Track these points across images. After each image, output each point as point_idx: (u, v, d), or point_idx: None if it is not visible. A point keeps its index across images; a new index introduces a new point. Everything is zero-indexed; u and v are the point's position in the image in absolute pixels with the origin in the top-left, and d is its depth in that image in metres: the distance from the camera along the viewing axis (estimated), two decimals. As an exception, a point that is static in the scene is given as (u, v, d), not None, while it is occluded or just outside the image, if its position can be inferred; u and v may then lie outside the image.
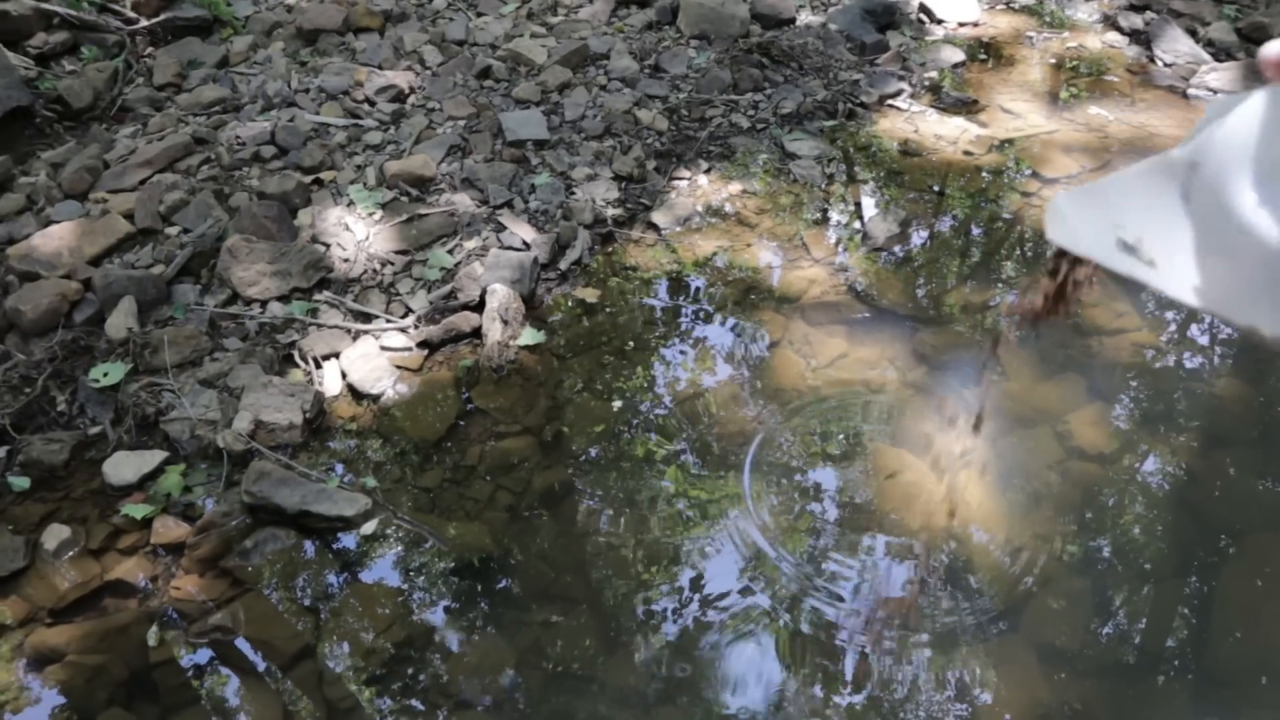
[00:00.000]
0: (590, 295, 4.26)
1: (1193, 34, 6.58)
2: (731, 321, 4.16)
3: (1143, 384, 3.95)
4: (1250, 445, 3.74)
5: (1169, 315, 4.27)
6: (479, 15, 6.39)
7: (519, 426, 3.73)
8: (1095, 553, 3.30)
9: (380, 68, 5.63)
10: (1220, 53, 6.43)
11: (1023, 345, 4.05)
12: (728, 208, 4.74)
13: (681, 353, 4.05)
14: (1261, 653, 3.05)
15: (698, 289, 4.33)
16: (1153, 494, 3.52)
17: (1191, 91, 5.98)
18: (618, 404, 3.80)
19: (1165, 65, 6.28)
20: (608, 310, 4.22)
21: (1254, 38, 6.60)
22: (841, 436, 3.67)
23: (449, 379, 3.92)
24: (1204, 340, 4.22)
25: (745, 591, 3.16)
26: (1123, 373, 3.97)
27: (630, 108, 5.36)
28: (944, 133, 5.35)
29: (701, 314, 4.22)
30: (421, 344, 4.04)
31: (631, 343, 4.07)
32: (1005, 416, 3.74)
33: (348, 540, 3.35)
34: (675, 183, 4.88)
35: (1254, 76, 5.96)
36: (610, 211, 4.66)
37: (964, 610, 3.10)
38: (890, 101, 5.62)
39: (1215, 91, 5.95)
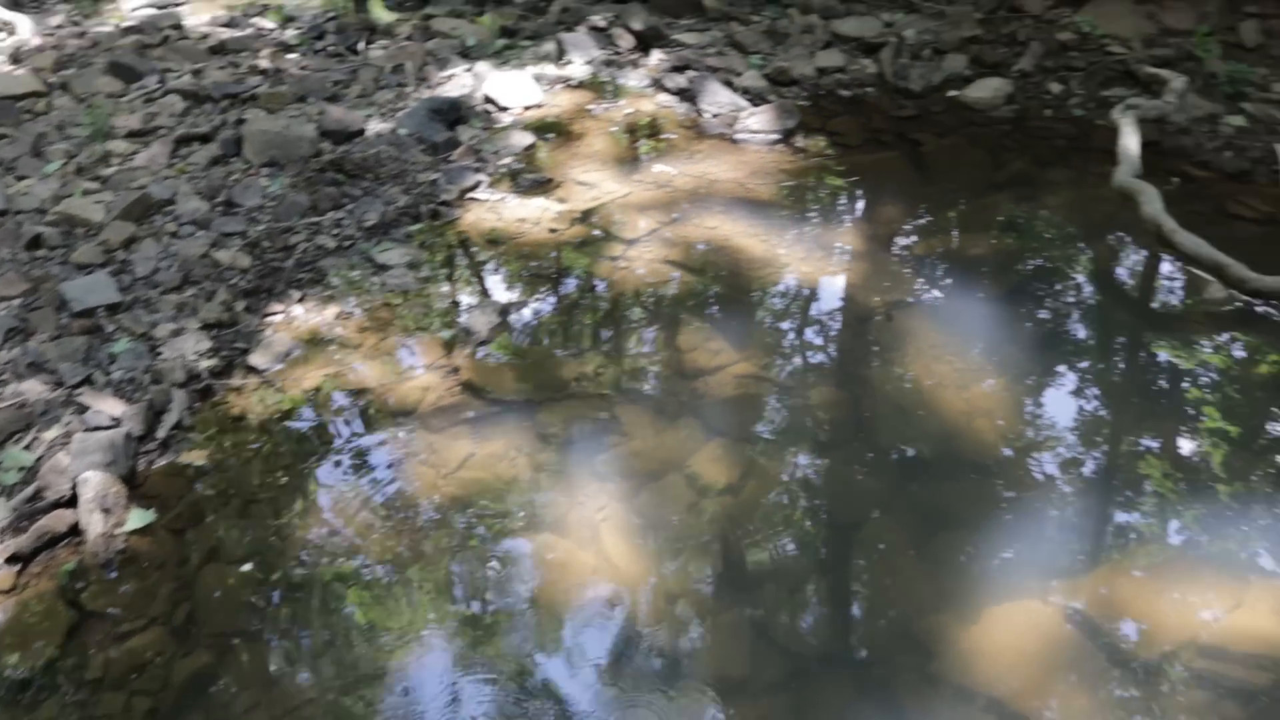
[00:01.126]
0: (198, 458, 3.99)
1: (730, 85, 7.29)
2: (352, 448, 4.06)
3: (749, 411, 4.27)
4: (849, 445, 4.14)
5: (761, 344, 4.66)
6: (19, 179, 5.87)
7: (144, 619, 3.40)
8: (738, 578, 3.51)
9: (-95, 261, 5.01)
10: (755, 98, 7.18)
11: (636, 402, 4.26)
12: (329, 333, 4.64)
13: (310, 492, 3.88)
14: (892, 626, 3.37)
15: (313, 423, 4.18)
16: (779, 506, 3.80)
17: (738, 136, 6.62)
18: (249, 566, 3.57)
19: (712, 116, 6.91)
20: (221, 469, 3.97)
21: (780, 80, 7.43)
22: (488, 539, 3.66)
23: (52, 589, 3.51)
24: (796, 361, 4.63)
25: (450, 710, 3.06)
26: (731, 405, 4.28)
27: (207, 250, 5.11)
28: (527, 215, 5.56)
29: (321, 447, 4.08)
30: (11, 559, 3.59)
31: (255, 496, 3.85)
32: (635, 475, 3.90)
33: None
34: (269, 319, 4.71)
35: (787, 115, 6.70)
36: (204, 364, 4.41)
37: (642, 661, 3.18)
38: (471, 195, 5.76)
39: (757, 132, 6.62)
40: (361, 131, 6.35)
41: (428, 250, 5.26)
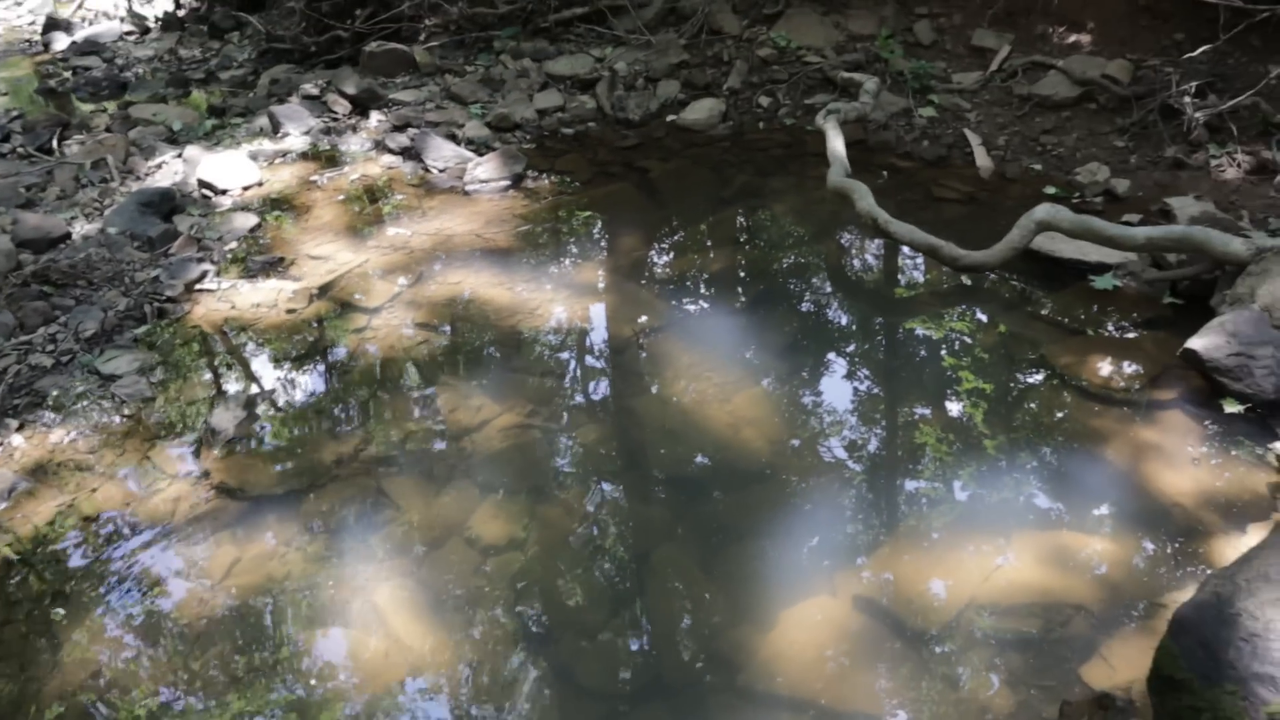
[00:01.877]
0: (-79, 625, 3.57)
1: (453, 138, 7.30)
2: (102, 578, 3.74)
3: (520, 462, 4.24)
4: (625, 476, 4.20)
5: (522, 392, 4.65)
6: None
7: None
8: (536, 631, 3.48)
9: None
10: (480, 147, 7.21)
11: (403, 473, 4.17)
12: (58, 459, 4.27)
13: (58, 636, 3.54)
14: (695, 647, 3.43)
15: (52, 562, 3.83)
16: (566, 552, 3.79)
17: (469, 187, 6.62)
18: (-1, 733, 3.22)
19: (440, 171, 6.88)
20: (-50, 632, 3.57)
21: (502, 126, 7.49)
22: (270, 644, 3.46)
23: None
24: (559, 403, 4.64)
25: None
26: (501, 459, 4.25)
27: (-99, 393, 4.62)
28: (261, 299, 5.34)
29: (66, 585, 3.74)
30: None
31: (-6, 655, 3.49)
32: (414, 548, 3.80)
33: None
34: (-14, 456, 4.30)
35: (513, 160, 6.76)
36: (-86, 519, 3.97)
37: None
38: (199, 286, 5.48)
39: (486, 181, 6.65)
40: (67, 236, 5.92)
41: (158, 352, 4.95)
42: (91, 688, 3.32)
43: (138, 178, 6.82)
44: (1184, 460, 4.12)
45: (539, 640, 3.47)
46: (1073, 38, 7.61)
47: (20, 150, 7.42)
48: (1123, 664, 3.25)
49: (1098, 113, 6.99)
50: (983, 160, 6.74)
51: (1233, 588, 2.76)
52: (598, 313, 5.29)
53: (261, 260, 5.71)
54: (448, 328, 5.15)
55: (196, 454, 4.27)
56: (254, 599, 3.61)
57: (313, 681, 3.33)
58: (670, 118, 7.59)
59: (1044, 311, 5.16)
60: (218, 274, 5.62)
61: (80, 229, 6.03)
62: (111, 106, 8.48)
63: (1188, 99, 6.53)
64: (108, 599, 3.66)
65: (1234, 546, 3.64)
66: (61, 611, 3.61)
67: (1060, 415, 4.47)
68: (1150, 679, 2.94)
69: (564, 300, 5.33)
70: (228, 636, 3.49)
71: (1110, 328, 4.97)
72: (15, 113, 8.38)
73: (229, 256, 5.80)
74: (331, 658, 3.40)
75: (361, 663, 3.38)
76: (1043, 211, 5.13)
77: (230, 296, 5.39)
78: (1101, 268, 5.35)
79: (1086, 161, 6.57)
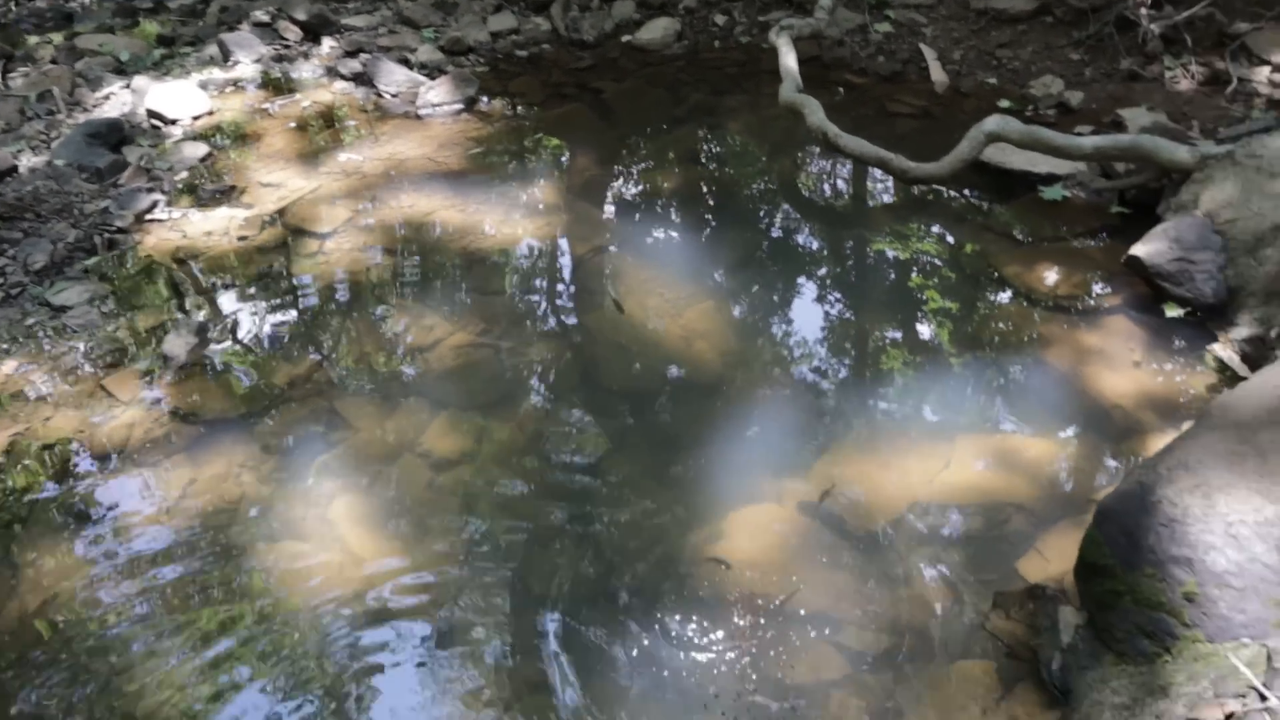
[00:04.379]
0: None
1: (405, 62, 7.20)
2: (59, 503, 3.77)
3: (473, 379, 4.28)
4: (577, 391, 4.25)
5: (475, 311, 4.67)
6: None
7: None
8: (488, 543, 3.54)
9: None
10: (433, 71, 7.12)
11: (356, 393, 4.20)
12: (9, 390, 4.27)
13: (18, 560, 3.58)
14: (646, 555, 3.50)
15: (7, 488, 3.86)
16: (518, 465, 3.85)
17: (422, 112, 6.56)
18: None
19: (393, 96, 6.80)
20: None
21: (455, 50, 7.40)
22: (225, 562, 3.51)
23: None
24: (512, 321, 4.65)
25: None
26: (454, 376, 4.28)
27: None
28: (213, 227, 5.31)
29: (23, 509, 3.76)
30: None
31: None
32: (367, 465, 3.85)
33: None
34: (-63, 388, 4.29)
35: (466, 83, 6.69)
36: None
37: (406, 643, 3.17)
38: (149, 216, 5.43)
39: (439, 105, 6.58)
40: (13, 169, 5.83)
41: (109, 283, 4.92)
42: (50, 610, 3.37)
43: (85, 109, 6.70)
44: (1125, 364, 4.20)
45: (489, 551, 3.53)
46: (1030, -51, 7.54)
47: (-37, 84, 7.26)
48: (1057, 557, 3.35)
49: (1054, 26, 6.97)
50: (938, 75, 6.72)
51: (1155, 477, 2.85)
52: (551, 232, 5.29)
53: (213, 189, 5.66)
54: (401, 250, 5.15)
55: (150, 381, 4.28)
56: (209, 519, 3.66)
57: (267, 597, 3.38)
58: (625, 38, 7.51)
59: (992, 222, 5.20)
60: (168, 204, 5.57)
61: (27, 162, 5.94)
62: (57, 38, 8.27)
63: (1144, 10, 6.52)
64: (65, 523, 3.69)
65: (1168, 443, 3.74)
66: (19, 535, 3.64)
67: (1006, 323, 4.54)
68: (1077, 567, 3.04)
69: (517, 221, 5.32)
70: (184, 556, 3.53)
71: (1058, 237, 5.02)
72: (-42, 46, 8.18)
73: (179, 186, 5.74)
74: (286, 573, 3.46)
75: (316, 577, 3.44)
76: (992, 123, 5.14)
77: (181, 226, 5.35)
78: (1051, 178, 5.38)
79: (1041, 75, 6.56)
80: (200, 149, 6.09)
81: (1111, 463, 3.79)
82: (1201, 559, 2.65)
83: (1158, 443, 3.77)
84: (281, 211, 5.44)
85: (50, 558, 3.56)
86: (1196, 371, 4.13)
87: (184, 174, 5.86)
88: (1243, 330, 4.21)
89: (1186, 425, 3.86)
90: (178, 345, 4.38)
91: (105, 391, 4.23)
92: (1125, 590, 2.78)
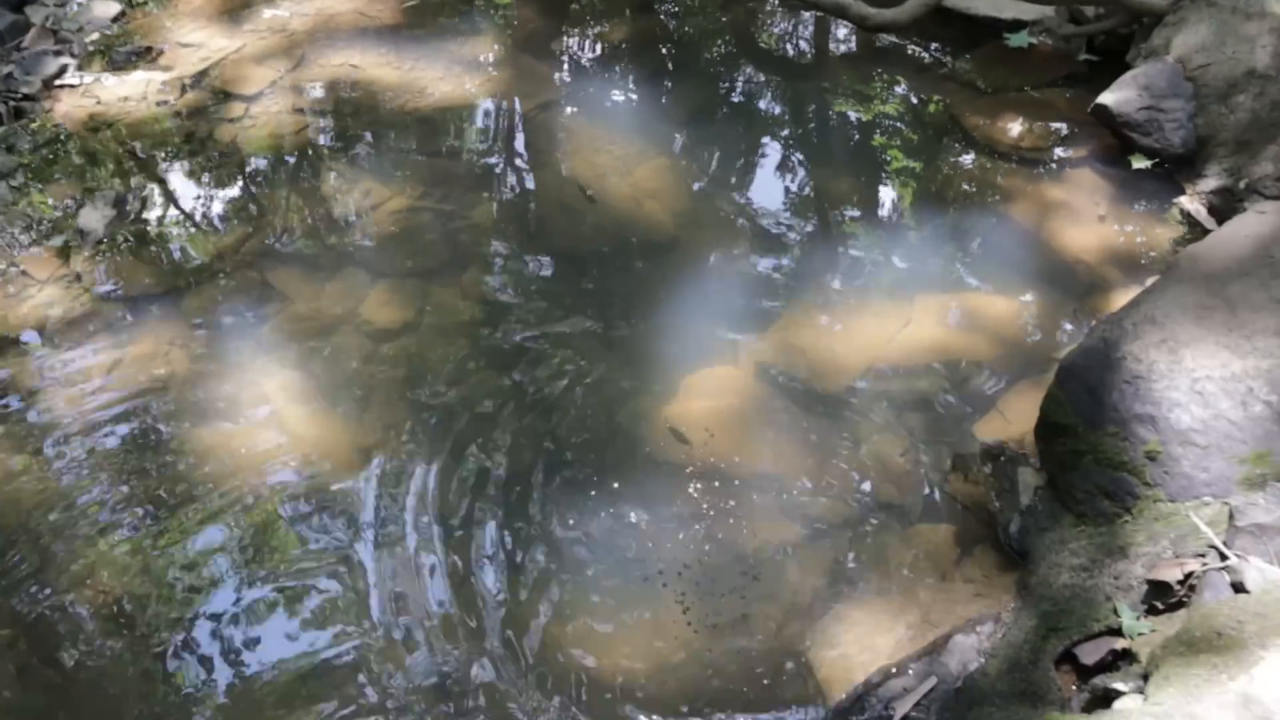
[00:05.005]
0: None
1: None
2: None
3: (412, 245, 4.07)
4: (523, 255, 4.08)
5: (413, 174, 4.42)
6: None
7: None
8: (433, 418, 3.41)
9: None
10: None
11: (290, 263, 3.98)
12: (-86, 270, 4.01)
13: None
14: (599, 422, 3.39)
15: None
16: (462, 332, 3.68)
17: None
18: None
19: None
20: None
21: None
22: (157, 448, 3.35)
23: None
24: (452, 184, 4.41)
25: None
26: (393, 243, 4.07)
27: None
28: (129, 92, 4.95)
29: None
30: None
31: None
32: (303, 338, 3.67)
33: None
34: None
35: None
36: None
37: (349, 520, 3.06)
38: (59, 82, 5.04)
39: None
40: (-92, 33, 5.39)
41: (17, 154, 4.59)
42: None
43: (-15, -35, 6.20)
44: (1090, 218, 4.08)
45: (436, 422, 3.39)
46: None
47: None
48: (1018, 417, 3.28)
49: None
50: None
51: (1120, 332, 2.75)
52: (492, 89, 4.99)
53: (127, 51, 5.26)
54: (332, 111, 4.85)
55: (66, 258, 4.02)
56: (139, 400, 3.48)
57: (203, 480, 3.23)
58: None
59: (955, 73, 4.97)
60: (79, 68, 5.18)
61: (-77, 24, 5.49)
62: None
63: None
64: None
65: (1133, 299, 3.65)
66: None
67: (968, 178, 4.38)
68: (1037, 427, 2.96)
69: (456, 78, 5.01)
70: (112, 439, 3.37)
71: (1023, 87, 4.81)
72: None
73: (91, 48, 5.33)
74: (223, 454, 3.30)
75: (255, 457, 3.30)
76: (956, -36, 4.87)
77: (95, 91, 4.99)
78: (1017, 25, 5.12)
79: (1008, -86, 6.22)
80: (112, 7, 5.65)
81: (1075, 320, 3.69)
82: (1165, 416, 2.57)
83: (1121, 299, 3.66)
84: (203, 73, 5.08)
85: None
86: (1162, 225, 4.01)
87: (95, 35, 5.44)
88: (1211, 182, 4.08)
89: (1151, 281, 3.78)
90: (94, 219, 4.11)
91: (18, 269, 3.98)
92: (1087, 450, 2.70)
